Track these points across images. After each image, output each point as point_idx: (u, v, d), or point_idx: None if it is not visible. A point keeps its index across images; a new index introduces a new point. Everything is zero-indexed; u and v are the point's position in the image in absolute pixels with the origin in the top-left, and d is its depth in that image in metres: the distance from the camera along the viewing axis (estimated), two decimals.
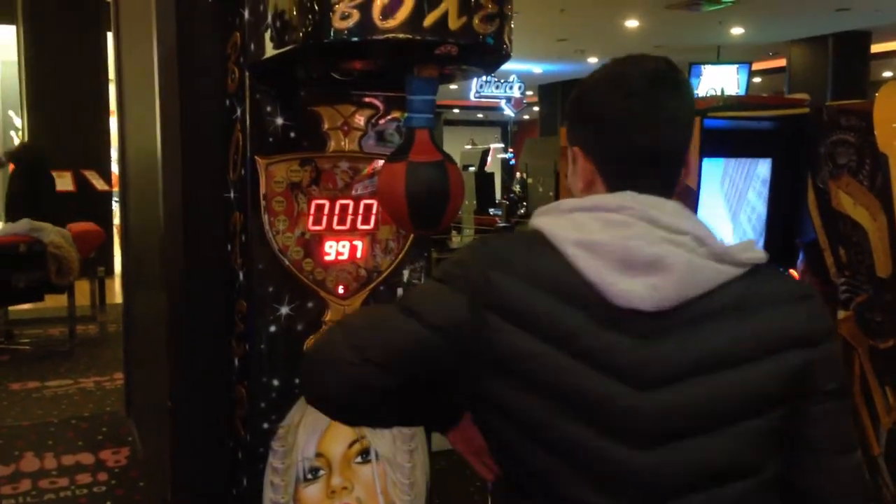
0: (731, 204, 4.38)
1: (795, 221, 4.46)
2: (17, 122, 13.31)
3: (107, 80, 9.64)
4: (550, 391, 1.16)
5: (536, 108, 22.08)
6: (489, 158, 16.58)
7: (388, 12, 2.21)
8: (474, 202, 12.64)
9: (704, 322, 1.15)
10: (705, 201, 3.79)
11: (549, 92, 20.52)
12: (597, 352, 1.15)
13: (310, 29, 2.30)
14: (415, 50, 2.29)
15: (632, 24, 12.66)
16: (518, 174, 19.29)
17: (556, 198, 10.22)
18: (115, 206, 10.36)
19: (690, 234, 1.17)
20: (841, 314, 3.14)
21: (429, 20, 2.22)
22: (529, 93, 20.45)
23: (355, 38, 2.25)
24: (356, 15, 2.21)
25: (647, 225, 1.17)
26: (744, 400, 1.14)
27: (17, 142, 13.21)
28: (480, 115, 27.80)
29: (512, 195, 13.57)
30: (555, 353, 1.16)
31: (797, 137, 4.28)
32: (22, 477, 3.61)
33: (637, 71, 1.29)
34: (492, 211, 11.79)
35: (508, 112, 20.27)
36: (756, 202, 4.46)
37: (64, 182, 9.05)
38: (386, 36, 2.23)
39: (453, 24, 2.25)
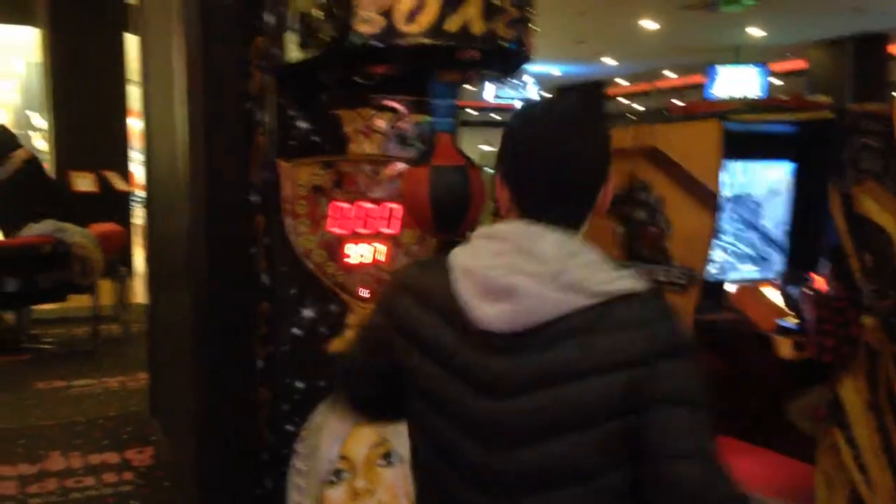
0: (751, 207, 4.37)
1: (818, 225, 4.44)
2: (37, 122, 13.45)
3: (125, 82, 9.72)
4: (431, 399, 1.39)
5: None
6: None
7: (411, 17, 2.22)
8: (492, 204, 12.63)
9: (552, 343, 1.28)
10: (725, 204, 3.79)
11: (564, 94, 20.50)
12: (467, 366, 1.33)
13: (333, 34, 2.31)
14: (437, 55, 2.31)
15: (650, 25, 12.63)
16: None
17: None
18: (133, 207, 10.44)
19: (553, 267, 1.27)
20: (866, 320, 3.12)
21: (451, 25, 2.24)
22: (547, 94, 20.46)
23: (378, 44, 2.27)
24: (379, 20, 2.22)
25: (518, 255, 1.30)
26: (579, 412, 1.27)
27: (38, 142, 13.34)
28: (496, 117, 27.83)
29: None
30: (435, 367, 1.37)
31: (819, 140, 4.26)
32: (48, 476, 3.65)
33: (550, 110, 1.40)
34: None
35: None
36: (777, 206, 4.45)
37: (86, 183, 9.13)
38: (409, 41, 2.25)
39: (476, 28, 2.26)
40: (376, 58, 2.40)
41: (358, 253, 2.91)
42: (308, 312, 2.85)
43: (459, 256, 1.37)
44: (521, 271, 1.27)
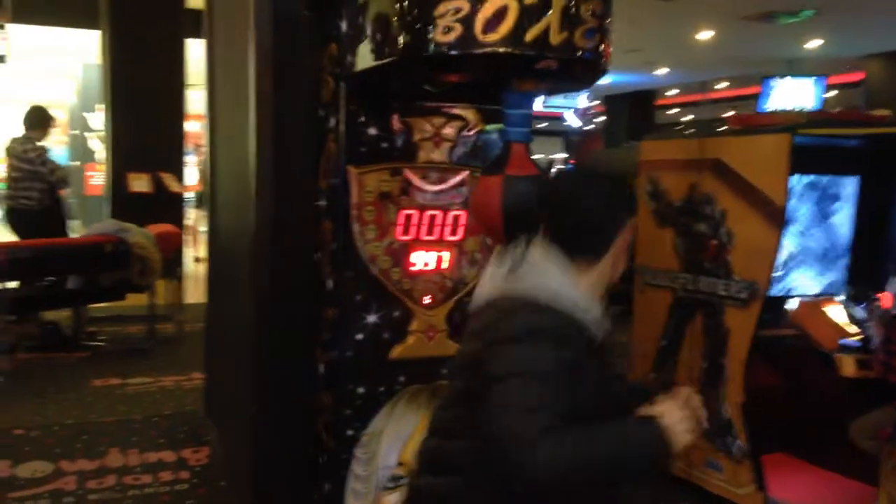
0: (816, 220, 4.29)
1: (883, 241, 4.35)
2: (92, 123, 13.71)
3: (184, 85, 9.86)
4: None
5: (598, 119, 21.90)
6: (553, 169, 16.50)
7: (490, 26, 2.22)
8: None
9: None
10: (792, 217, 3.72)
11: (616, 103, 20.33)
12: None
13: (410, 41, 2.32)
14: (515, 64, 2.30)
15: (705, 35, 12.48)
16: None
17: None
18: (186, 208, 10.58)
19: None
20: None
21: (530, 35, 2.23)
22: (596, 102, 20.31)
23: (455, 52, 2.27)
24: (459, 28, 2.23)
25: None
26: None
27: (95, 144, 13.59)
28: (543, 124, 27.73)
29: None
30: None
31: (885, 154, 4.18)
32: (107, 472, 3.71)
33: None
34: None
35: (572, 122, 20.12)
36: (842, 220, 4.37)
37: (141, 184, 9.27)
38: (486, 50, 2.25)
39: (554, 38, 2.25)
40: (453, 66, 2.40)
41: (423, 260, 2.92)
42: (372, 318, 2.87)
43: None
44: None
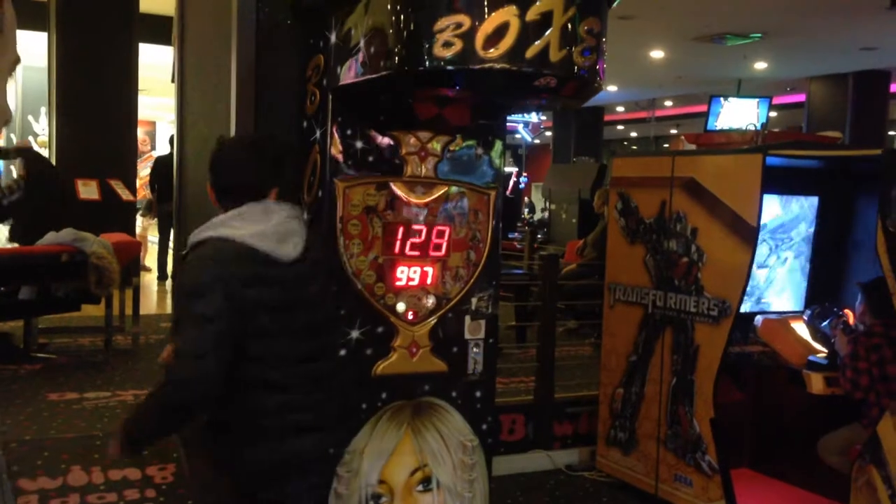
0: (777, 242, 4.38)
1: (841, 259, 4.46)
2: (36, 127, 13.35)
3: (135, 91, 9.66)
4: None
5: (548, 133, 22.14)
6: (510, 183, 16.58)
7: (491, 42, 2.21)
8: None
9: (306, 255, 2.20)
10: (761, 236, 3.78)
11: (564, 118, 20.55)
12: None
13: (406, 55, 2.30)
14: (514, 80, 2.30)
15: (656, 54, 12.72)
16: (526, 198, 19.27)
17: (581, 225, 10.19)
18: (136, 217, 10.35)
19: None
20: None
21: (531, 51, 2.23)
22: (544, 118, 20.53)
23: (453, 67, 2.26)
24: (459, 43, 2.22)
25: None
26: (322, 289, 2.32)
27: (37, 148, 13.23)
28: None
29: (531, 219, 13.55)
30: None
31: (844, 176, 4.29)
32: (70, 491, 3.57)
33: None
34: (511, 235, 11.79)
35: (524, 136, 20.31)
36: (802, 238, 4.46)
37: (89, 191, 9.03)
38: (486, 66, 2.24)
39: (554, 56, 2.26)
40: (447, 81, 2.39)
41: (407, 275, 2.89)
42: (355, 333, 2.82)
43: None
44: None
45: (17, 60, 0.92)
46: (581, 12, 2.31)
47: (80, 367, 5.55)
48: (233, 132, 3.00)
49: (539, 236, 11.82)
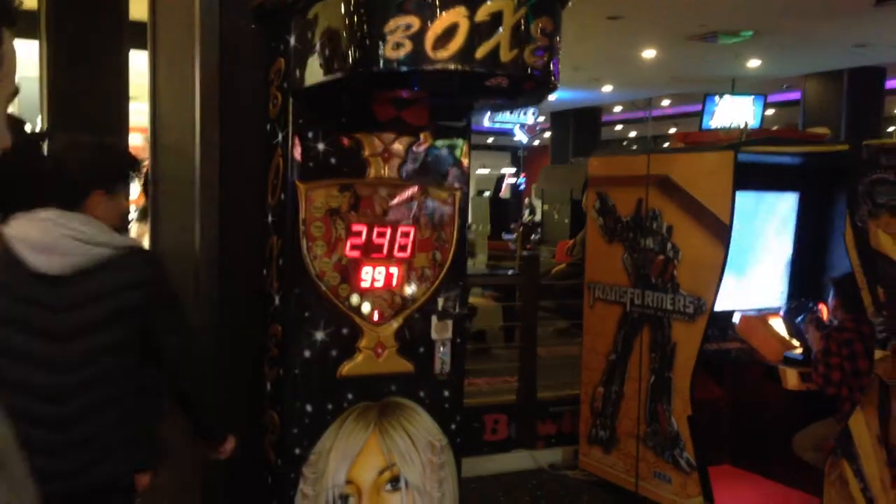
0: (757, 236, 4.38)
1: (822, 256, 4.46)
2: None
3: (127, 99, 9.69)
4: None
5: (547, 134, 22.14)
6: (503, 184, 16.59)
7: (440, 43, 2.22)
8: (488, 227, 12.64)
9: (87, 277, 2.08)
10: (736, 233, 3.79)
11: (562, 118, 20.54)
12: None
13: (360, 57, 2.31)
14: (465, 80, 2.31)
15: (648, 53, 12.71)
16: (527, 199, 19.27)
17: (573, 225, 10.19)
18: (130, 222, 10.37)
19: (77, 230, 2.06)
20: (878, 354, 3.13)
21: (480, 52, 2.24)
22: (542, 119, 20.51)
23: (405, 68, 2.27)
24: (409, 45, 2.22)
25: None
26: (104, 317, 2.12)
27: None
28: (490, 140, 27.91)
29: (525, 221, 13.56)
30: None
31: (824, 172, 4.29)
32: None
33: None
34: (505, 236, 11.78)
35: (521, 138, 20.28)
36: (782, 234, 4.46)
37: None
38: (436, 66, 2.25)
39: (505, 56, 2.26)
40: (402, 82, 2.40)
41: (372, 276, 2.89)
42: (320, 335, 2.83)
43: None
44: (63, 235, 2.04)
45: (15, 92, 0.94)
46: (533, 12, 2.31)
47: None
48: (198, 138, 3.01)
49: (534, 237, 11.83)
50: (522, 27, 2.29)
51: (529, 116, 17.24)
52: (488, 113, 16.63)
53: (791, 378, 3.73)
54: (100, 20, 9.21)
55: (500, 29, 2.24)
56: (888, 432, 3.14)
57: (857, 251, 3.17)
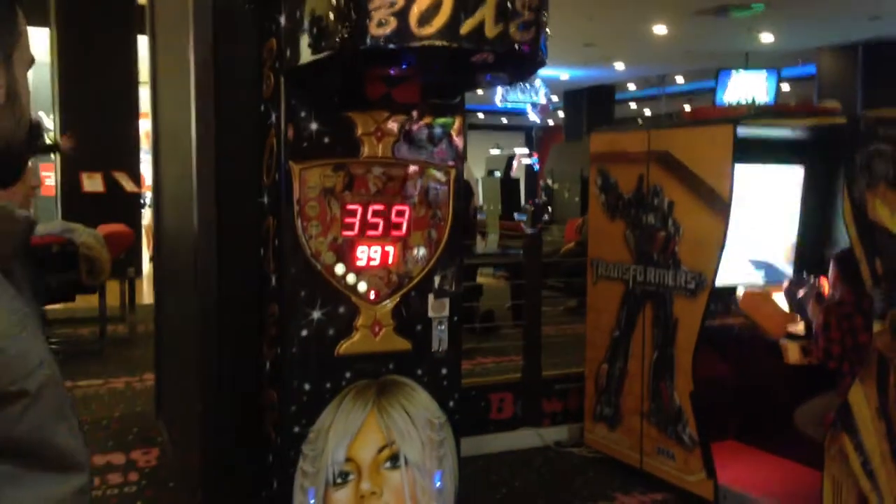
0: (762, 211, 4.35)
1: (827, 230, 4.43)
2: (47, 122, 13.48)
3: (137, 83, 9.74)
4: None
5: (561, 114, 22.04)
6: (514, 164, 16.55)
7: (425, 20, 2.22)
8: (500, 207, 12.63)
9: None
10: (737, 208, 3.77)
11: (575, 97, 20.45)
12: None
13: (346, 35, 2.31)
14: (450, 57, 2.30)
15: (660, 30, 12.60)
16: (541, 181, 19.24)
17: (583, 204, 10.16)
18: (143, 208, 10.47)
19: None
20: (876, 326, 3.11)
21: (465, 28, 2.23)
22: (555, 98, 20.41)
23: (392, 45, 2.27)
24: (393, 22, 2.22)
25: None
26: None
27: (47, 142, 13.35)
28: (505, 120, 27.80)
29: (537, 201, 13.54)
30: None
31: (830, 146, 4.25)
32: None
33: None
34: (517, 216, 11.77)
35: (534, 117, 20.21)
36: (788, 210, 4.43)
37: (94, 183, 9.15)
38: (422, 43, 2.25)
39: (490, 31, 2.26)
40: (389, 59, 2.40)
41: (368, 255, 2.91)
42: (317, 314, 2.85)
43: None
44: None
45: (32, 60, 1.02)
46: None
47: (75, 356, 5.65)
48: (193, 120, 3.03)
49: (545, 217, 11.81)
50: (507, 2, 2.28)
51: (541, 96, 17.17)
52: (499, 93, 16.63)
53: (793, 353, 3.72)
54: (108, 6, 9.27)
55: (485, 4, 2.23)
56: (887, 405, 3.13)
57: (854, 224, 3.14)
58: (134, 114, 9.92)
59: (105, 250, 5.19)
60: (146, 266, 9.66)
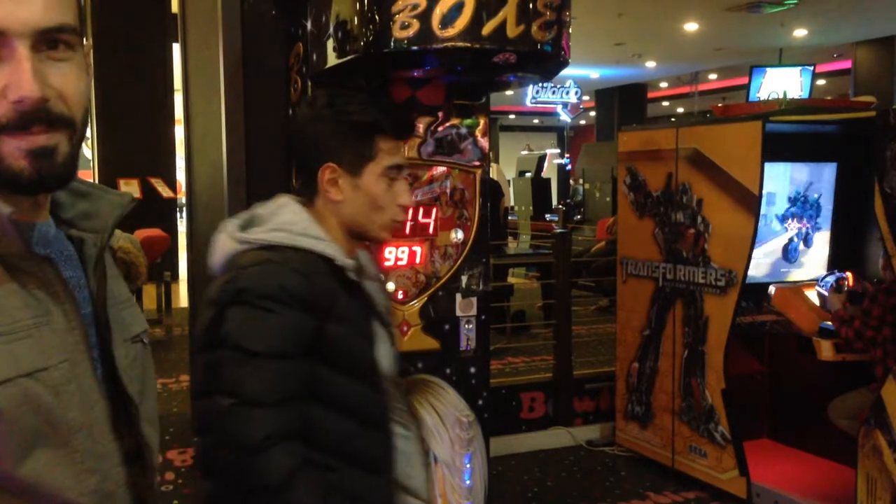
0: (795, 208, 4.32)
1: (861, 225, 4.38)
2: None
3: (172, 90, 9.90)
4: None
5: (593, 113, 21.95)
6: (545, 164, 16.52)
7: (447, 21, 2.25)
8: (531, 208, 12.61)
9: None
10: (768, 205, 3.75)
11: (606, 97, 20.35)
12: None
13: (371, 38, 2.35)
14: (474, 58, 2.33)
15: (691, 27, 12.50)
16: (572, 182, 19.18)
17: (614, 204, 10.13)
18: (179, 213, 10.63)
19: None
20: None
21: (487, 28, 2.26)
22: (586, 98, 20.32)
23: (415, 47, 2.30)
24: (416, 24, 2.26)
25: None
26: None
27: (86, 151, 13.61)
28: (536, 121, 27.71)
29: (569, 202, 13.52)
30: None
31: (863, 141, 4.20)
32: None
33: None
34: (548, 217, 11.76)
35: (565, 117, 20.15)
36: (822, 206, 4.39)
37: (131, 189, 9.30)
38: (445, 45, 2.28)
39: (511, 31, 2.28)
40: (413, 61, 2.43)
41: (395, 255, 2.94)
42: None
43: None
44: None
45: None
46: None
47: None
48: (223, 125, 3.08)
49: (577, 217, 11.78)
50: (529, 2, 2.30)
51: (572, 96, 17.12)
52: (530, 93, 16.62)
53: (826, 349, 3.68)
54: (144, 15, 9.42)
55: (506, 4, 2.25)
56: None
57: (886, 219, 3.11)
58: (169, 121, 10.08)
59: (142, 255, 5.27)
60: (182, 270, 9.80)
